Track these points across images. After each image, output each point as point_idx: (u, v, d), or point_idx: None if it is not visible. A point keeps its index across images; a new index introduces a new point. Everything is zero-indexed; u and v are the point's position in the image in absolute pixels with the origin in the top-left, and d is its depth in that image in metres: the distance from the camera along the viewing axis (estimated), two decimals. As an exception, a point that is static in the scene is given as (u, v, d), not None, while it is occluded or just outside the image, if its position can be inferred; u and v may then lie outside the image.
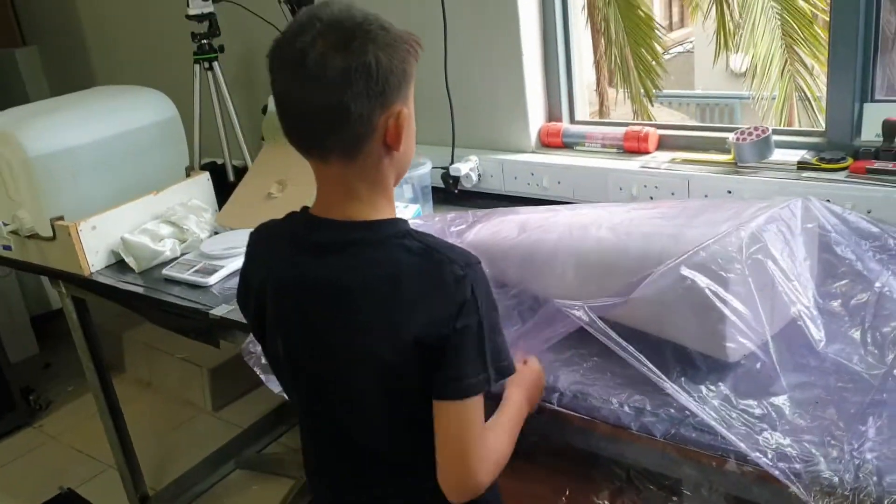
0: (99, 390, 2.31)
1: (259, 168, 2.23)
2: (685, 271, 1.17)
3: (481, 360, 0.99)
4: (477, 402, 1.01)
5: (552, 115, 2.14)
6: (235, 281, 1.79)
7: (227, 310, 1.70)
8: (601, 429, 1.18)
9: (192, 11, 2.31)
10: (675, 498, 1.19)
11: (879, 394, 1.07)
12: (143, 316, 2.05)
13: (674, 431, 1.12)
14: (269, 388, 1.48)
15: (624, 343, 1.15)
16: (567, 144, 2.07)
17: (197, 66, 2.37)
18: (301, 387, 1.15)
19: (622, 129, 1.99)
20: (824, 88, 4.12)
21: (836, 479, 0.98)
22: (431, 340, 0.97)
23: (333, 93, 0.93)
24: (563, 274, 1.33)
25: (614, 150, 1.99)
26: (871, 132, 1.67)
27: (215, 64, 2.37)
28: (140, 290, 1.90)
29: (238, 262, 1.86)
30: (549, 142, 2.08)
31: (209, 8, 2.32)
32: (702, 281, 1.16)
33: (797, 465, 1.01)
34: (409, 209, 1.95)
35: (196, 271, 1.87)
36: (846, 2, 1.62)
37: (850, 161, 1.65)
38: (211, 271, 1.85)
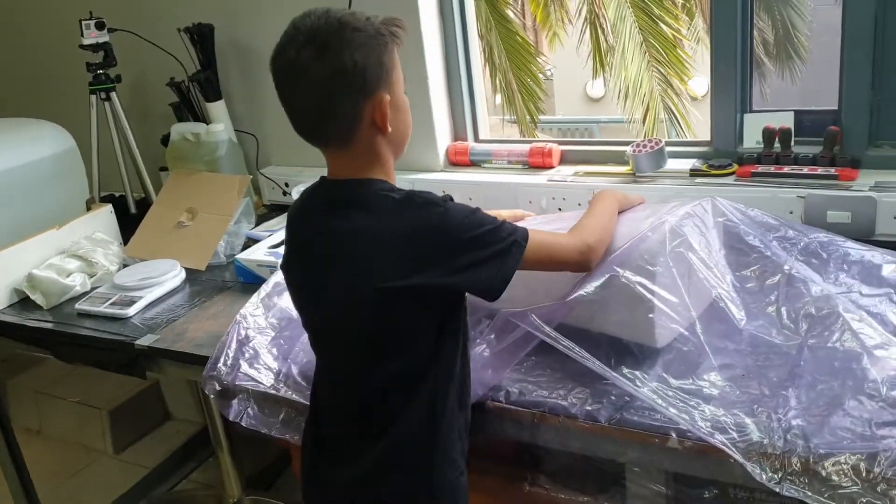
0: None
1: (166, 197, 2.20)
2: (616, 269, 1.27)
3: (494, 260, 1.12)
4: (525, 259, 1.14)
5: (457, 134, 2.23)
6: (156, 311, 1.81)
7: (153, 339, 1.68)
8: (549, 421, 1.26)
9: (86, 41, 2.26)
10: (622, 481, 1.27)
11: (797, 363, 1.20)
12: (53, 354, 1.97)
13: (617, 416, 1.21)
14: (226, 415, 1.47)
15: (570, 343, 1.23)
16: (474, 162, 2.16)
17: (93, 97, 2.32)
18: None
19: (526, 146, 2.10)
20: (689, 107, 4.46)
21: (767, 444, 1.09)
22: (432, 273, 1.09)
23: (319, 94, 1.08)
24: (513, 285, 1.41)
25: (520, 166, 2.10)
26: (752, 139, 1.85)
27: (112, 94, 2.33)
28: (50, 325, 1.84)
29: (156, 293, 1.86)
30: (457, 160, 2.17)
31: (104, 38, 2.28)
32: (631, 276, 1.27)
33: (733, 435, 1.11)
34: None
35: (113, 304, 1.83)
36: (725, 24, 1.80)
37: (735, 167, 1.83)
38: (129, 303, 1.82)
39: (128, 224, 2.23)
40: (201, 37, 2.28)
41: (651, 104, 4.18)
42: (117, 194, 2.47)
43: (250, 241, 2.07)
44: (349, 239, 1.12)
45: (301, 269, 1.23)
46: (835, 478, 1.03)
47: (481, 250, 1.11)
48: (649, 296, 1.26)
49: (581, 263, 1.26)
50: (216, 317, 1.75)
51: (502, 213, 1.41)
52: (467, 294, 1.20)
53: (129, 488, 2.66)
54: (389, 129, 1.13)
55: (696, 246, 1.30)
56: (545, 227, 1.37)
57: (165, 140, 2.41)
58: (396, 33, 1.12)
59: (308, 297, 1.24)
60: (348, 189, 1.15)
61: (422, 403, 1.16)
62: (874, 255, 1.36)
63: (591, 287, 1.27)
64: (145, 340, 1.68)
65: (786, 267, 1.32)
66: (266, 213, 2.39)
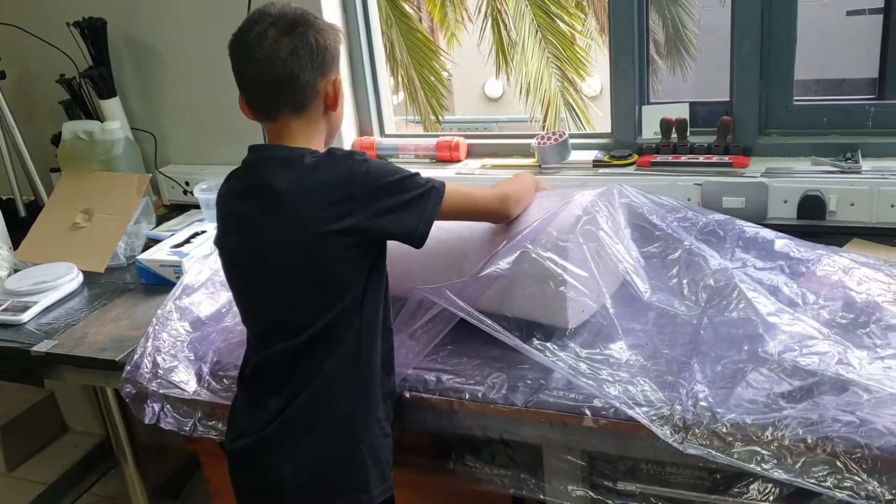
0: None
1: (59, 198, 2.10)
2: (528, 245, 1.30)
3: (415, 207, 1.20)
4: (444, 205, 1.22)
5: (363, 129, 2.22)
6: (52, 316, 1.74)
7: (51, 345, 1.60)
8: (467, 407, 1.27)
9: (-34, 35, 2.13)
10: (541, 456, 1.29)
11: (698, 333, 1.26)
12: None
13: (534, 398, 1.23)
14: (142, 419, 1.44)
15: (482, 317, 1.25)
16: (381, 157, 2.16)
17: (-25, 95, 2.19)
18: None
19: (433, 140, 2.11)
20: (588, 103, 4.58)
21: (676, 416, 1.13)
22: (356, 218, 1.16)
23: (286, 66, 1.19)
24: (422, 269, 1.41)
25: (428, 160, 2.11)
26: (650, 131, 1.92)
27: (-4, 91, 2.21)
28: (-65, 336, 1.73)
29: (52, 297, 1.78)
30: (364, 156, 2.16)
31: (-14, 32, 2.16)
32: (542, 252, 1.30)
33: (644, 408, 1.16)
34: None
35: (5, 310, 1.74)
36: (622, 21, 1.86)
37: (636, 157, 1.89)
38: (22, 308, 1.73)
39: (17, 227, 2.12)
40: (93, 31, 2.18)
41: (552, 100, 4.27)
42: (4, 197, 2.34)
43: (151, 242, 2.01)
44: (277, 196, 1.18)
45: (235, 239, 1.27)
46: (738, 441, 1.08)
47: (402, 194, 1.19)
48: (560, 271, 1.29)
49: (500, 212, 1.36)
50: (118, 320, 1.69)
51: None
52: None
53: (27, 506, 2.53)
54: (336, 110, 1.26)
55: (604, 224, 1.35)
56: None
57: (56, 139, 2.30)
58: (340, 35, 1.27)
59: (244, 264, 1.27)
60: (275, 152, 1.23)
61: (347, 358, 1.20)
62: (767, 232, 1.44)
63: (503, 263, 1.30)
64: (42, 346, 1.60)
65: (686, 243, 1.38)
66: (166, 213, 2.31)
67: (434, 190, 1.22)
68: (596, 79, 5.30)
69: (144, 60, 2.30)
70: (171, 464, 2.69)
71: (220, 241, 1.30)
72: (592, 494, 1.25)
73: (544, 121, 4.51)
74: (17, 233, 2.09)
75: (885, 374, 1.13)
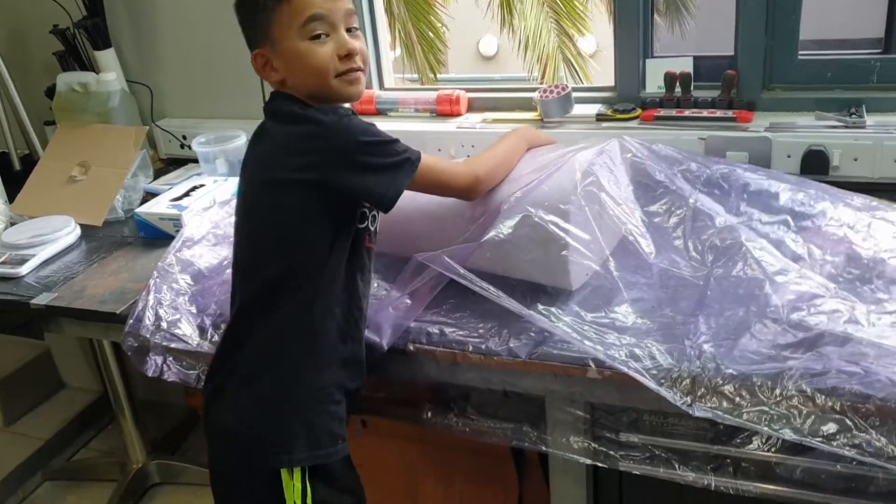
0: None
1: (55, 151, 2.08)
2: (529, 209, 1.29)
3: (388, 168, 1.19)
4: (416, 179, 1.21)
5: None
6: (51, 269, 1.73)
7: (50, 297, 1.59)
8: (470, 359, 1.27)
9: (-44, -16, 2.09)
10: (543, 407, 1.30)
11: (704, 293, 1.25)
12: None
13: (537, 351, 1.23)
14: (145, 372, 1.45)
15: (484, 284, 1.24)
16: (381, 111, 2.13)
17: (-32, 46, 2.16)
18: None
19: (433, 94, 2.08)
20: (587, 58, 4.52)
21: (680, 370, 1.13)
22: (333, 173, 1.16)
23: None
24: (419, 231, 1.41)
25: (428, 114, 2.09)
26: (653, 84, 1.90)
27: (-11, 43, 2.17)
28: (-69, 288, 1.72)
29: (49, 250, 1.77)
30: (363, 109, 2.13)
31: (-23, -20, 2.12)
32: (544, 215, 1.28)
33: (647, 363, 1.15)
34: (229, 183, 1.92)
35: (2, 263, 1.72)
36: (627, -28, 1.83)
37: (639, 111, 1.87)
38: (20, 261, 1.72)
39: (12, 181, 2.10)
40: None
41: (550, 56, 4.22)
42: (-2, 151, 2.32)
43: (149, 196, 1.99)
44: (262, 141, 1.24)
45: (240, 182, 1.29)
46: (746, 396, 1.08)
47: (375, 157, 1.18)
48: (562, 234, 1.28)
49: (467, 192, 1.34)
50: (118, 273, 1.68)
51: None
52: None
53: (24, 460, 2.54)
54: (280, 79, 1.23)
55: (606, 184, 1.33)
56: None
57: (49, 92, 2.27)
58: None
59: (237, 207, 1.29)
60: (279, 104, 1.24)
61: (297, 316, 1.20)
62: (771, 182, 1.43)
63: (504, 227, 1.28)
64: (42, 299, 1.59)
65: (691, 200, 1.36)
66: (162, 167, 2.29)
67: (409, 162, 1.22)
68: (590, 38, 5.23)
69: (140, 10, 2.26)
70: (169, 419, 2.70)
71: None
72: (595, 446, 1.26)
73: (542, 77, 4.46)
74: (13, 186, 2.07)
75: (893, 329, 1.13)
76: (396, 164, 1.20)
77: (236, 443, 1.22)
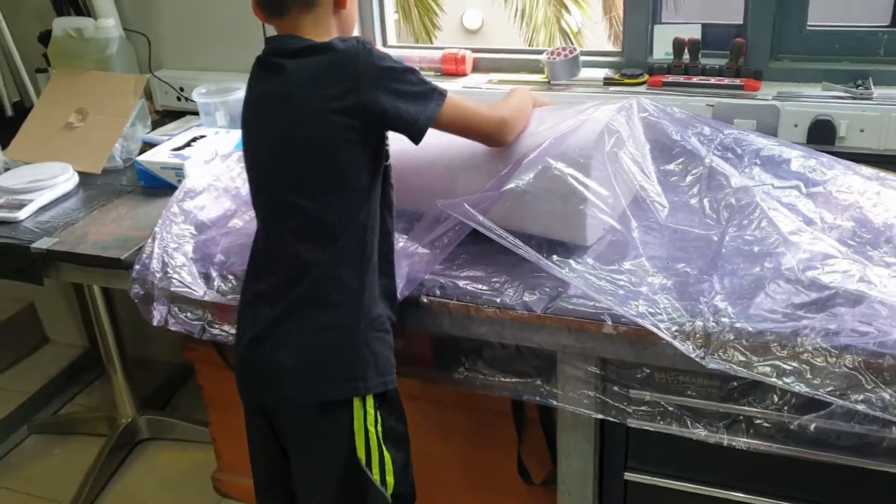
0: None
1: (51, 97, 2.03)
2: (549, 160, 1.29)
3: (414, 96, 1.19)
4: (445, 111, 1.22)
5: (365, 39, 2.16)
6: (50, 215, 1.70)
7: (51, 242, 1.57)
8: (484, 312, 1.27)
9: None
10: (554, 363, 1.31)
11: (720, 250, 1.26)
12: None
13: (552, 306, 1.24)
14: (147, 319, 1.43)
15: (502, 232, 1.24)
16: (385, 69, 2.11)
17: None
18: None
19: (438, 53, 2.06)
20: (584, 30, 4.50)
21: (697, 326, 1.15)
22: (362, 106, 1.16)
23: None
24: (438, 181, 1.40)
25: (432, 73, 2.07)
26: (661, 50, 1.90)
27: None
28: (-74, 232, 1.68)
29: (48, 196, 1.74)
30: (367, 66, 2.11)
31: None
32: (564, 168, 1.28)
33: (663, 317, 1.17)
34: (231, 135, 1.89)
35: (0, 206, 1.69)
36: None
37: (647, 77, 1.87)
38: (18, 206, 1.69)
39: (4, 127, 2.06)
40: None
41: (547, 24, 4.21)
42: (-11, 96, 2.27)
43: (147, 146, 1.95)
44: (285, 76, 1.20)
45: (252, 121, 1.27)
46: (760, 352, 1.10)
47: (404, 84, 1.18)
48: (581, 188, 1.28)
49: (494, 136, 1.34)
50: (119, 220, 1.65)
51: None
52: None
53: (9, 413, 2.51)
54: (346, 7, 1.25)
55: (626, 140, 1.34)
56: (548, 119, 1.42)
57: (43, 38, 2.22)
58: None
59: (257, 146, 1.28)
60: (289, 42, 1.22)
61: (350, 247, 1.20)
62: (783, 149, 1.44)
63: (524, 178, 1.28)
64: (42, 244, 1.56)
65: (706, 160, 1.37)
66: (158, 119, 2.25)
67: (437, 92, 1.22)
68: (576, 13, 5.19)
69: (139, -45, 2.21)
70: (158, 376, 2.68)
71: (243, 125, 1.30)
72: (607, 400, 1.27)
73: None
74: (5, 133, 2.02)
75: (902, 289, 1.15)
76: (425, 92, 1.21)
77: (301, 377, 1.21)
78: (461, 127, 1.29)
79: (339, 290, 1.19)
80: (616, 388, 1.26)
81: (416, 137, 1.22)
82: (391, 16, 2.19)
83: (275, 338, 1.21)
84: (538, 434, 1.59)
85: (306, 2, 1.21)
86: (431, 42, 4.42)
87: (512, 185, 1.29)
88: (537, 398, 1.32)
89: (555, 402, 1.31)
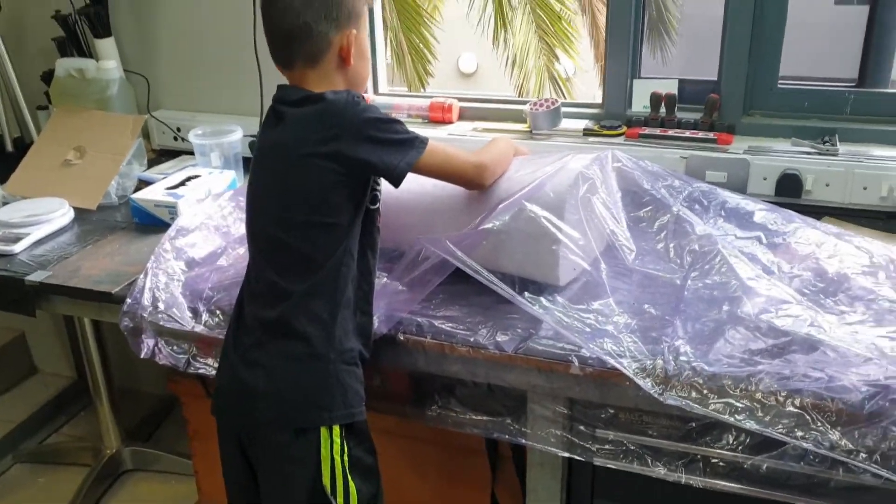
0: None
1: (51, 134, 2.11)
2: (525, 203, 1.36)
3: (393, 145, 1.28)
4: (425, 158, 1.30)
5: (356, 93, 2.25)
6: (45, 248, 1.76)
7: (45, 275, 1.62)
8: (458, 351, 1.33)
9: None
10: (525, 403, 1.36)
11: (682, 293, 1.33)
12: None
13: (523, 346, 1.29)
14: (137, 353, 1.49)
15: (477, 266, 1.31)
16: (374, 114, 2.19)
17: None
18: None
19: (426, 101, 2.15)
20: (573, 79, 4.62)
21: (658, 367, 1.20)
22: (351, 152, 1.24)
23: (300, 16, 1.26)
24: (420, 222, 1.47)
25: (420, 120, 2.15)
26: (639, 104, 1.98)
27: (-10, 25, 2.20)
28: (-76, 263, 1.73)
29: (44, 230, 1.80)
30: (358, 112, 2.19)
31: (-18, -38, 2.15)
32: (539, 210, 1.36)
33: (627, 360, 1.22)
34: (224, 175, 1.96)
35: (-3, 240, 1.75)
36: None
37: (625, 128, 1.95)
38: (14, 239, 1.75)
39: (5, 163, 2.12)
40: (90, -30, 2.18)
41: (537, 73, 4.33)
42: (-9, 132, 2.34)
43: (142, 184, 2.02)
44: (283, 122, 1.29)
45: (258, 165, 1.35)
46: (714, 393, 1.16)
47: (386, 132, 1.27)
48: (554, 230, 1.35)
49: (474, 180, 1.42)
50: (112, 255, 1.71)
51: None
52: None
53: (-4, 442, 2.55)
54: (351, 64, 1.31)
55: (599, 188, 1.41)
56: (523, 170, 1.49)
57: (45, 77, 2.30)
58: None
59: (254, 185, 1.35)
60: (292, 92, 1.31)
61: (326, 281, 1.26)
62: (748, 203, 1.52)
63: (501, 219, 1.36)
64: (36, 276, 1.62)
65: (674, 209, 1.45)
66: (155, 157, 2.33)
67: (418, 140, 1.30)
68: (567, 63, 5.33)
69: (142, 2, 2.30)
70: (144, 408, 2.72)
71: (251, 166, 1.39)
72: (573, 439, 1.32)
73: (519, 93, 4.56)
74: (5, 167, 2.09)
75: (853, 337, 1.21)
76: (406, 140, 1.29)
77: (273, 403, 1.27)
78: (442, 172, 1.38)
79: (311, 322, 1.26)
80: (582, 428, 1.31)
81: (395, 182, 1.29)
82: (382, 64, 2.28)
83: (249, 363, 1.28)
84: (511, 471, 1.64)
85: (310, 59, 1.29)
86: (424, 88, 4.53)
87: (489, 224, 1.36)
88: (507, 436, 1.37)
89: (523, 441, 1.36)
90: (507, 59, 4.44)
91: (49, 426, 2.73)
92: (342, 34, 1.29)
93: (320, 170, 1.24)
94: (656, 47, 4.79)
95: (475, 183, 1.43)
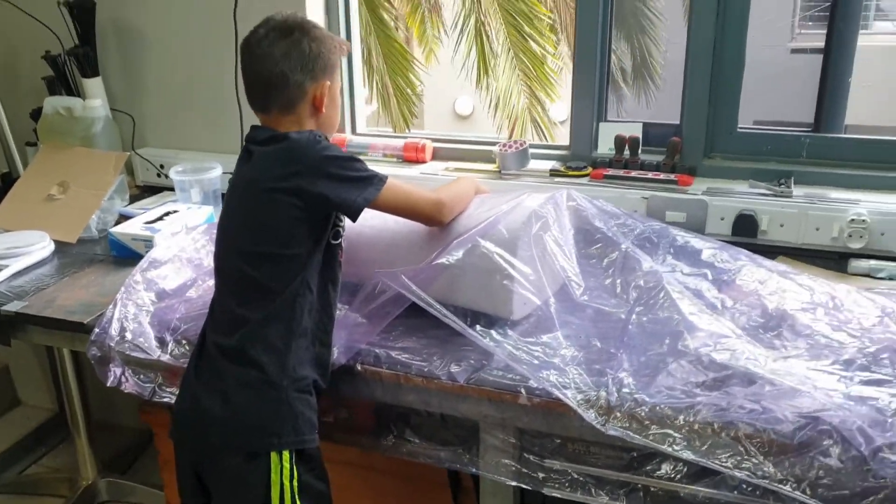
0: None
1: (36, 169, 2.17)
2: (479, 239, 1.41)
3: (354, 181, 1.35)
4: (384, 195, 1.36)
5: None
6: (24, 280, 1.81)
7: (20, 306, 1.67)
8: (413, 381, 1.37)
9: (-46, 7, 2.20)
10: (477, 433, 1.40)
11: (627, 328, 1.38)
12: None
13: (475, 377, 1.34)
14: (104, 381, 1.54)
15: (431, 300, 1.36)
16: (351, 153, 2.25)
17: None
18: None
19: (401, 141, 2.22)
20: (555, 121, 4.72)
21: (602, 396, 1.25)
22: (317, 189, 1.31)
23: (278, 65, 1.35)
24: (382, 256, 1.53)
25: (395, 160, 2.22)
26: (605, 146, 2.05)
27: (-19, 63, 2.27)
28: None
29: (23, 262, 1.85)
30: (335, 151, 2.26)
31: (-24, 4, 2.23)
32: (492, 247, 1.41)
33: (572, 392, 1.27)
34: (202, 211, 2.02)
35: (-24, 271, 1.80)
36: (586, 40, 2.00)
37: (590, 169, 2.02)
38: (-7, 270, 1.80)
39: (-8, 196, 2.18)
40: (82, 12, 2.26)
41: (519, 116, 4.43)
42: (-20, 167, 2.41)
43: (123, 218, 2.08)
44: (248, 164, 1.37)
45: (229, 200, 1.42)
46: (654, 424, 1.20)
47: (345, 170, 1.34)
48: (506, 265, 1.41)
49: (433, 216, 1.48)
50: (87, 287, 1.76)
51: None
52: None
53: (-25, 472, 2.57)
54: (323, 112, 1.40)
55: (552, 226, 1.47)
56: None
57: (34, 114, 2.37)
58: (343, 48, 1.45)
59: (222, 219, 1.42)
60: (261, 132, 1.39)
61: (281, 311, 1.32)
62: (697, 241, 1.58)
63: (455, 254, 1.41)
64: (12, 307, 1.67)
65: (623, 246, 1.50)
66: (139, 193, 2.39)
67: (377, 178, 1.37)
68: (562, 107, 5.44)
69: (129, 44, 2.39)
70: (122, 440, 2.74)
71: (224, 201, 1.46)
72: (522, 469, 1.35)
73: (510, 137, 4.66)
74: (-8, 202, 2.15)
75: (787, 371, 1.25)
76: (365, 177, 1.35)
77: (227, 427, 1.31)
78: (400, 209, 1.44)
79: (265, 350, 1.31)
80: (531, 457, 1.35)
81: (352, 216, 1.36)
82: (361, 106, 2.36)
83: (207, 389, 1.33)
84: (473, 502, 1.67)
85: (285, 106, 1.38)
86: (409, 129, 4.65)
87: (443, 260, 1.41)
88: (459, 466, 1.40)
89: (475, 470, 1.39)
90: (491, 102, 4.55)
91: (29, 457, 2.76)
92: (317, 84, 1.38)
93: (281, 204, 1.30)
94: (641, 92, 4.91)
95: (434, 219, 1.48)
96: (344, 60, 2.27)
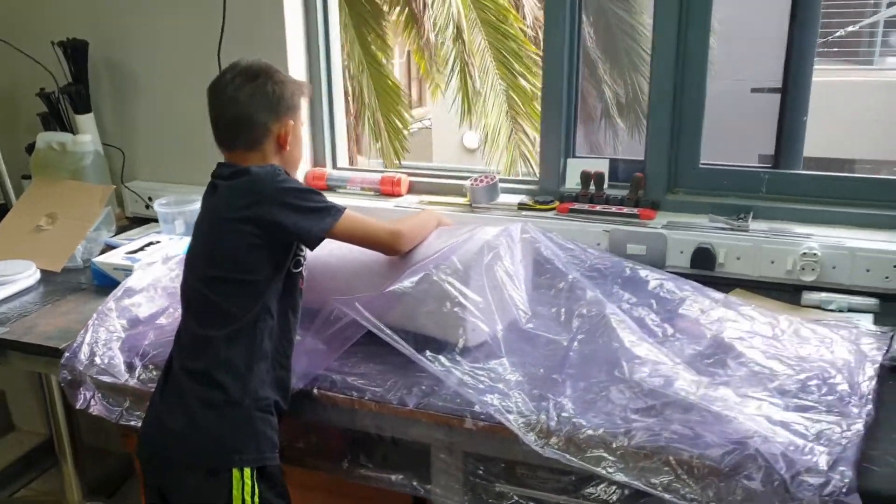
0: None
1: (27, 201, 2.26)
2: (432, 268, 1.48)
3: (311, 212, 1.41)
4: (341, 224, 1.43)
5: (317, 161, 2.41)
6: (8, 307, 1.89)
7: (2, 331, 1.74)
8: (366, 406, 1.43)
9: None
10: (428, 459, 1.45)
11: (567, 354, 1.43)
12: None
13: (425, 401, 1.39)
14: (74, 404, 1.61)
15: (383, 326, 1.43)
16: (331, 187, 2.34)
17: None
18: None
19: (378, 175, 2.30)
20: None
21: (542, 419, 1.30)
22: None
23: (243, 107, 1.44)
24: (344, 284, 1.60)
25: (372, 193, 2.29)
26: (572, 181, 2.12)
27: (-21, 100, 2.38)
28: None
29: (9, 290, 1.92)
30: (315, 184, 2.34)
31: (-28, 44, 2.34)
32: (444, 276, 1.47)
33: (514, 416, 1.32)
34: (182, 241, 2.09)
35: (-38, 299, 1.87)
36: (554, 80, 2.07)
37: (557, 203, 2.08)
38: (-22, 298, 1.88)
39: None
40: (75, 51, 2.37)
41: (509, 150, 4.53)
42: (-25, 199, 2.50)
43: (108, 248, 2.16)
44: (213, 197, 1.45)
45: (195, 232, 1.49)
46: (591, 447, 1.25)
47: (303, 201, 1.40)
48: (457, 294, 1.47)
49: (391, 246, 1.55)
50: (67, 314, 1.83)
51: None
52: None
53: (-36, 497, 2.63)
54: (287, 149, 1.48)
55: (504, 257, 1.53)
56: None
57: (30, 149, 2.46)
58: (304, 90, 1.54)
59: (192, 250, 1.49)
60: (226, 167, 1.46)
61: (242, 335, 1.39)
62: (645, 272, 1.64)
63: (407, 282, 1.47)
64: (-6, 332, 1.74)
65: (570, 277, 1.56)
66: (127, 224, 2.47)
67: (334, 209, 1.44)
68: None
69: (121, 82, 2.49)
70: (109, 465, 2.80)
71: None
72: (470, 492, 1.40)
73: (508, 171, 4.74)
74: (-16, 233, 2.23)
75: (718, 398, 1.30)
76: (322, 208, 1.42)
77: (188, 443, 1.38)
78: (358, 238, 1.51)
79: (228, 372, 1.37)
80: (478, 481, 1.40)
81: (311, 246, 1.44)
82: (342, 141, 2.44)
83: (171, 408, 1.40)
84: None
85: (250, 144, 1.46)
86: (400, 162, 4.76)
87: (395, 286, 1.48)
88: (408, 490, 1.45)
89: (424, 494, 1.44)
90: (486, 137, 4.66)
91: (19, 481, 2.81)
92: (281, 124, 1.46)
93: (241, 232, 1.38)
94: (633, 127, 4.99)
95: (392, 248, 1.55)
96: (325, 99, 2.36)
